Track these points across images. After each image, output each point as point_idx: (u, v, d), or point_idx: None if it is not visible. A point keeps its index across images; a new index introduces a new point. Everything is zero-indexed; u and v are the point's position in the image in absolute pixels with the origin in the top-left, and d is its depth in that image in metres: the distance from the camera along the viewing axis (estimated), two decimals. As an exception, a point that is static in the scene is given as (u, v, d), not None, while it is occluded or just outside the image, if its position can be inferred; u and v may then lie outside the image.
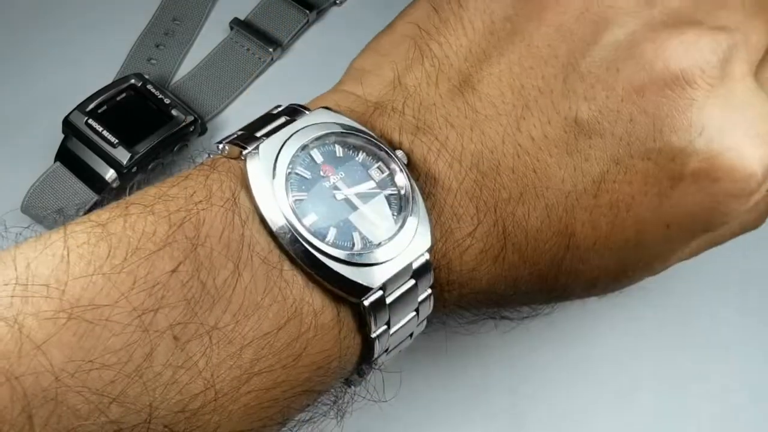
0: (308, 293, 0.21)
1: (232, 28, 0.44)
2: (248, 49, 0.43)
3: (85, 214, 0.35)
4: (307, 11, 0.44)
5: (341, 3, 0.46)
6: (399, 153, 0.23)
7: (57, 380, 0.17)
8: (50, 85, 0.41)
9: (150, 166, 0.37)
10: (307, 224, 0.21)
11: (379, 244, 0.22)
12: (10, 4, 0.44)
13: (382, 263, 0.22)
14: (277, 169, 0.21)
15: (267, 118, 0.23)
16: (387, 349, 0.24)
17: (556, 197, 0.24)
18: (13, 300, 0.17)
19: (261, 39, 0.43)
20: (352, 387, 0.25)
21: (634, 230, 0.25)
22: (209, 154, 0.23)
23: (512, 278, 0.25)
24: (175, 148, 0.38)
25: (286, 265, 0.21)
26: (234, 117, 0.42)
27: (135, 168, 0.36)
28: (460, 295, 0.25)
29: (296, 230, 0.21)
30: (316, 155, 0.22)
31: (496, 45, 0.25)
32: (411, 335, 0.25)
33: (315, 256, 0.21)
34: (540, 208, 0.24)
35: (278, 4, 0.44)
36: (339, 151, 0.23)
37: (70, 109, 0.37)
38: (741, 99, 0.24)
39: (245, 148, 0.22)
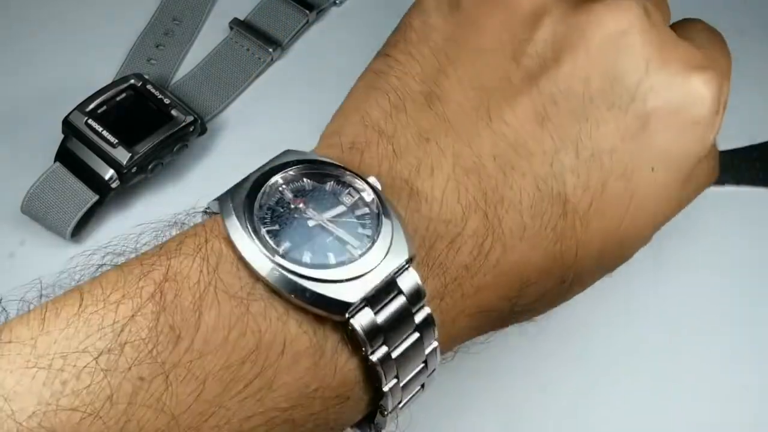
0: (280, 324, 0.21)
1: (231, 28, 0.44)
2: (248, 49, 0.43)
3: (84, 214, 0.36)
4: (307, 11, 0.44)
5: (341, 3, 0.46)
6: (371, 178, 0.24)
7: (20, 425, 0.19)
8: (50, 85, 0.41)
9: (150, 166, 0.37)
10: (281, 251, 0.22)
11: (352, 260, 0.22)
12: (9, 4, 0.44)
13: (358, 278, 0.22)
14: (249, 207, 0.22)
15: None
16: (397, 375, 0.23)
17: (541, 167, 0.25)
18: None
19: (261, 39, 0.43)
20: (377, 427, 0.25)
21: (624, 180, 0.26)
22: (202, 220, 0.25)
23: (516, 264, 0.25)
24: (175, 148, 0.38)
25: (258, 299, 0.21)
26: (234, 117, 0.42)
27: (135, 168, 0.36)
28: (462, 297, 0.25)
29: (272, 259, 0.21)
30: (286, 191, 0.23)
31: (448, 61, 0.27)
32: (425, 363, 0.24)
33: (292, 279, 0.21)
34: (528, 184, 0.25)
35: (278, 4, 0.44)
36: (308, 184, 0.24)
37: (70, 109, 0.37)
38: (668, 40, 0.27)
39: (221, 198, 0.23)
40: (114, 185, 0.36)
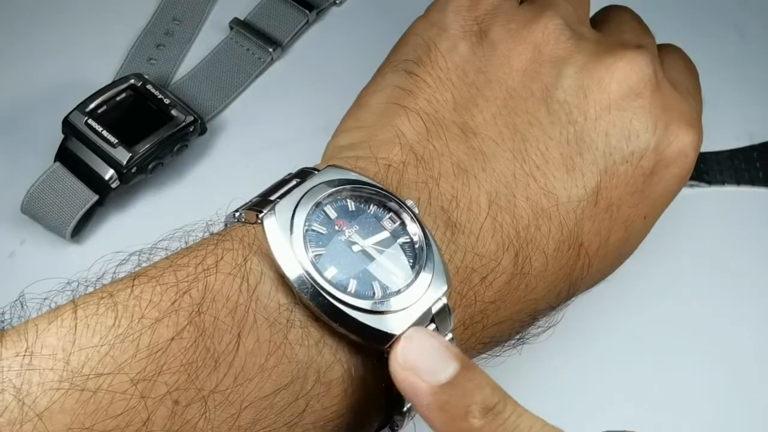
0: (316, 352, 0.21)
1: (232, 28, 0.44)
2: (248, 49, 0.43)
3: (84, 214, 0.36)
4: (307, 11, 0.44)
5: (341, 3, 0.46)
6: (409, 202, 0.24)
7: None
8: (50, 86, 0.41)
9: (150, 166, 0.37)
10: (328, 277, 0.22)
11: (398, 292, 0.22)
12: (9, 4, 0.44)
13: (402, 310, 0.22)
14: (294, 226, 0.22)
15: (280, 183, 0.24)
16: None
17: (566, 213, 0.27)
18: (22, 370, 0.19)
19: (261, 39, 0.43)
20: None
21: (624, 228, 0.29)
22: (226, 224, 0.24)
23: (534, 301, 0.27)
24: (175, 148, 0.38)
25: (296, 326, 0.21)
26: (234, 117, 0.42)
27: (135, 168, 0.36)
28: (483, 328, 0.26)
29: (318, 284, 0.21)
30: (330, 211, 0.23)
31: (479, 94, 0.28)
32: None
33: (338, 307, 0.21)
34: (554, 228, 0.26)
35: (278, 4, 0.44)
36: (351, 205, 0.24)
37: (70, 109, 0.37)
38: (669, 98, 0.29)
39: (261, 212, 0.23)
40: (114, 185, 0.36)
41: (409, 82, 0.28)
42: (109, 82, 0.39)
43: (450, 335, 0.24)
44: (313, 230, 0.23)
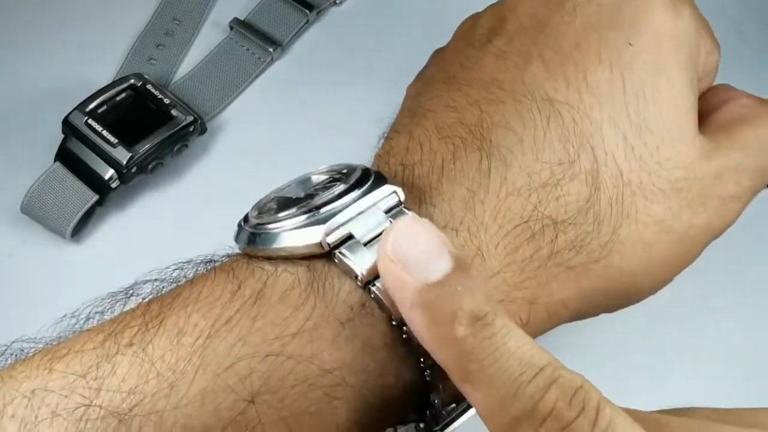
0: (262, 272, 0.22)
1: (232, 28, 0.44)
2: (248, 49, 0.43)
3: (84, 214, 0.36)
4: (307, 11, 0.44)
5: (341, 3, 0.46)
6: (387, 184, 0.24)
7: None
8: (50, 85, 0.41)
9: (150, 166, 0.37)
10: (254, 222, 0.23)
11: (316, 194, 0.23)
12: (9, 4, 0.44)
13: (325, 203, 0.22)
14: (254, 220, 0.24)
15: None
16: None
17: (517, 86, 0.26)
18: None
19: (261, 39, 0.43)
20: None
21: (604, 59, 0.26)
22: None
23: (527, 176, 0.24)
24: (175, 148, 0.38)
25: (242, 266, 0.22)
26: (234, 117, 0.42)
27: (135, 168, 0.36)
28: (483, 206, 0.24)
29: (247, 230, 0.23)
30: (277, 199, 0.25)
31: (426, 83, 0.29)
32: None
33: (262, 232, 0.22)
34: (508, 104, 0.25)
35: (278, 4, 0.44)
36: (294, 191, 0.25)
37: (70, 109, 0.37)
38: None
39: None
40: (114, 185, 0.36)
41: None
42: (109, 82, 0.39)
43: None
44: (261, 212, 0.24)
